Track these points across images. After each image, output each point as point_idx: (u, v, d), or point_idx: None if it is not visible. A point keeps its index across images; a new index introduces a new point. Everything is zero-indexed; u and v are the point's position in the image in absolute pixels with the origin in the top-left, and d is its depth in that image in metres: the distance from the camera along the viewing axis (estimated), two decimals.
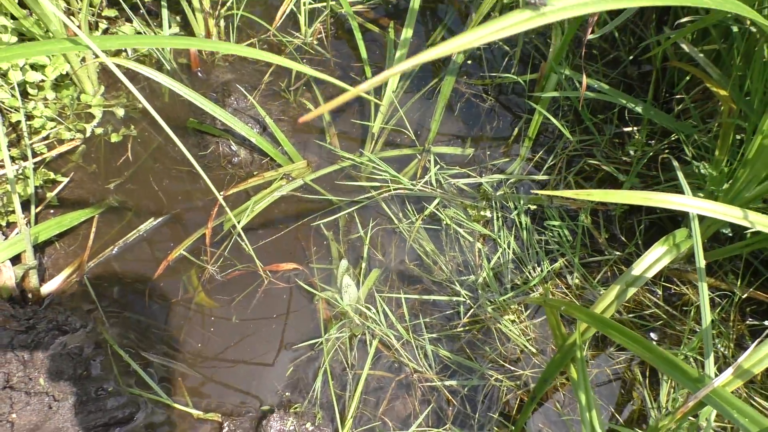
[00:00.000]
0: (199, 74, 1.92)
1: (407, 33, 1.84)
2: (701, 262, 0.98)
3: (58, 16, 1.73)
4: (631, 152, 1.72)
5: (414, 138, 1.78)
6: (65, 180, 1.72)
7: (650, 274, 1.10)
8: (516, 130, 1.80)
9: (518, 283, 1.53)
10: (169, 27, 1.97)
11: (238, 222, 1.62)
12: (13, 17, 1.74)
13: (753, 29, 1.39)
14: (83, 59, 1.85)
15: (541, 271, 1.52)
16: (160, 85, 1.89)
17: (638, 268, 1.10)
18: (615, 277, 1.55)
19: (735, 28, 1.41)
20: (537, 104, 1.72)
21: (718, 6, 0.68)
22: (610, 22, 1.52)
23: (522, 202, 1.64)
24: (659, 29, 1.90)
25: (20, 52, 0.81)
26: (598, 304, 1.09)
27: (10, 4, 1.70)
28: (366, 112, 1.85)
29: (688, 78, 1.65)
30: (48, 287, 1.54)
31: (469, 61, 1.93)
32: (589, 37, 1.51)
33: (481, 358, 1.45)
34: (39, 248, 1.58)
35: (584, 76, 1.47)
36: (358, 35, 1.90)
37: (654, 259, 1.11)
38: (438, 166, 1.72)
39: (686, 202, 0.89)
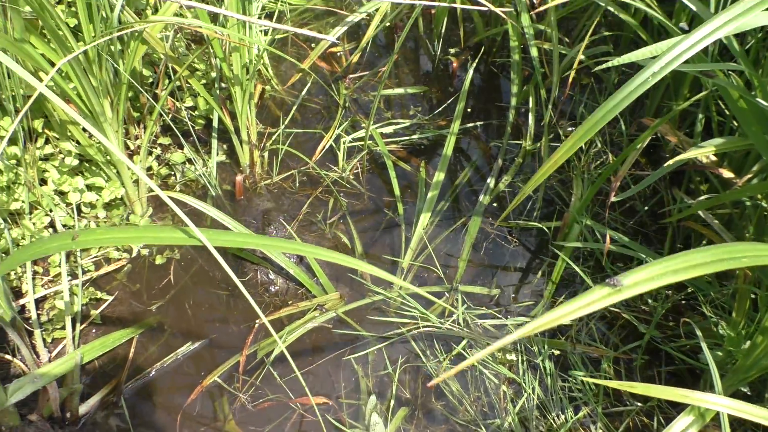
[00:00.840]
0: (242, 201, 2.05)
1: (439, 176, 1.98)
2: None
3: (121, 146, 1.88)
4: (650, 302, 1.80)
5: (442, 275, 1.88)
6: (110, 298, 1.80)
7: None
8: (539, 273, 1.90)
9: (543, 431, 1.56)
10: (217, 155, 2.13)
11: (271, 353, 1.68)
12: (78, 143, 1.89)
13: (764, 203, 1.51)
14: (136, 181, 1.99)
15: (566, 420, 1.56)
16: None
17: None
18: (637, 428, 1.59)
19: (748, 202, 1.53)
20: (561, 251, 1.82)
21: (753, 263, 0.78)
22: (632, 187, 1.65)
23: (546, 346, 1.70)
24: (673, 182, 2.04)
25: (135, 236, 0.92)
26: None
27: (78, 132, 1.86)
28: (396, 246, 1.96)
29: (704, 241, 1.76)
30: (85, 407, 1.58)
31: (495, 204, 2.05)
32: (613, 199, 1.64)
33: None
34: (81, 367, 1.64)
35: (608, 236, 1.58)
36: (392, 173, 2.04)
37: (681, 429, 1.16)
38: (465, 306, 1.80)
39: (721, 402, 0.96)
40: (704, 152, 1.38)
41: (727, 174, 1.52)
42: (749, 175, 1.49)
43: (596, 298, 0.76)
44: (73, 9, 1.90)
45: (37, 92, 1.14)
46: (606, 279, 0.78)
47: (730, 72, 1.36)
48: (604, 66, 1.22)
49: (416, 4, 2.13)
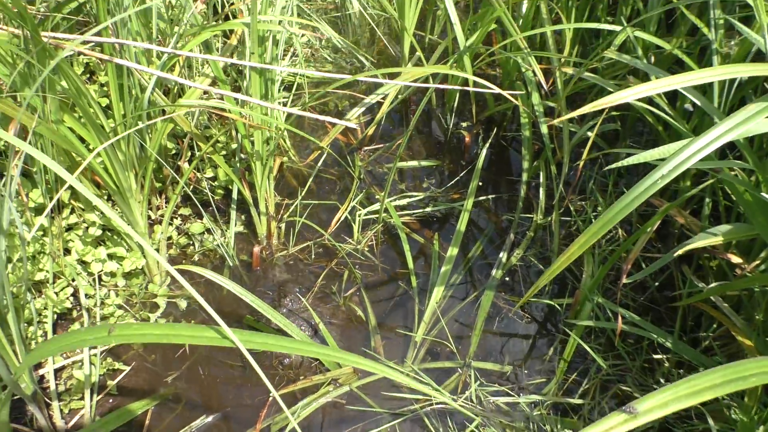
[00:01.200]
0: (258, 272, 2.09)
1: (452, 251, 2.03)
2: None
3: (144, 219, 1.94)
4: (662, 380, 1.81)
5: (455, 350, 1.90)
6: (126, 368, 1.83)
7: None
8: (551, 350, 1.91)
9: None
10: (235, 225, 2.18)
11: (285, 428, 1.69)
12: (101, 213, 1.96)
13: None
14: (157, 251, 2.04)
15: None
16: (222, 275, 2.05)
17: None
18: None
19: (757, 289, 1.56)
20: (572, 329, 1.84)
21: (761, 381, 0.81)
22: (644, 267, 1.69)
23: (559, 425, 1.70)
24: (682, 259, 2.07)
25: (169, 333, 0.96)
26: None
27: (105, 204, 1.92)
28: (409, 319, 1.99)
29: (715, 325, 1.78)
30: None
31: (507, 278, 2.09)
32: (624, 281, 1.67)
33: None
34: None
35: (620, 317, 1.60)
36: (406, 246, 2.09)
37: None
38: (478, 382, 1.81)
39: None
40: (712, 242, 1.42)
41: (735, 259, 1.55)
42: (757, 261, 1.53)
43: (613, 425, 0.79)
44: (105, 89, 2.00)
45: (67, 185, 1.21)
46: (623, 406, 0.81)
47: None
48: (612, 167, 1.28)
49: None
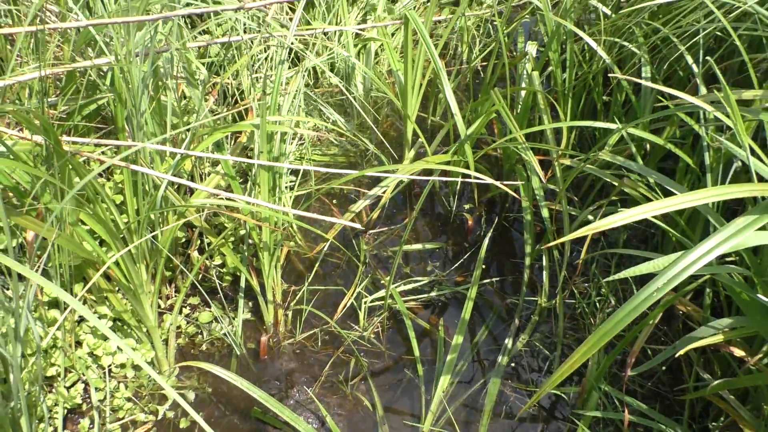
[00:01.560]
0: (266, 360, 2.11)
1: (458, 339, 2.05)
2: None
3: (154, 311, 1.98)
4: None
5: None
6: None
7: None
8: None
9: None
10: (243, 313, 2.22)
11: None
12: (113, 306, 2.00)
13: None
14: (166, 341, 2.08)
15: None
16: (230, 365, 2.07)
17: None
18: None
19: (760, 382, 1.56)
20: (580, 419, 1.84)
21: None
22: (650, 353, 1.70)
23: None
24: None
25: None
26: None
27: (114, 298, 1.97)
28: (416, 408, 1.99)
29: (722, 417, 1.78)
30: None
31: (513, 364, 2.10)
32: (629, 373, 1.69)
33: None
34: None
35: (626, 409, 1.61)
36: (411, 334, 2.11)
37: None
38: None
39: None
40: (714, 341, 1.44)
41: (738, 353, 1.57)
42: (760, 355, 1.54)
43: None
44: (120, 185, 2.07)
45: (69, 308, 1.26)
46: None
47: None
48: (610, 279, 1.32)
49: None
